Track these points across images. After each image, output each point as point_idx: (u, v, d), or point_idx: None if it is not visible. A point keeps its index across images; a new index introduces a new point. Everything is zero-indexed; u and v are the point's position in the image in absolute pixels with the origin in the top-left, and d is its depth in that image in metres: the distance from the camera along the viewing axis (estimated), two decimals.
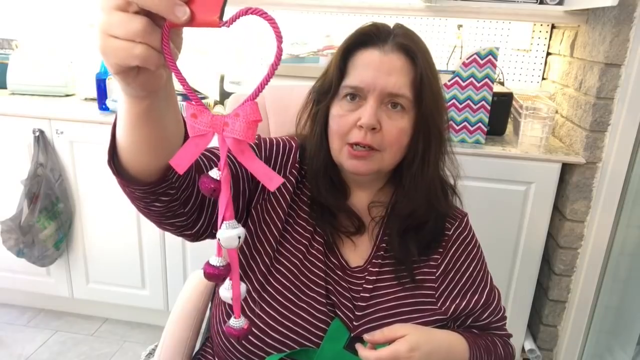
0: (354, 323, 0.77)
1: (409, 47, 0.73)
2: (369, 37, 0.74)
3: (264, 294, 0.77)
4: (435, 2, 1.71)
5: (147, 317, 1.99)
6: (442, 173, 0.83)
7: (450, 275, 0.83)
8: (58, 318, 2.02)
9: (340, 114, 0.75)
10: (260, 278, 0.78)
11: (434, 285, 0.81)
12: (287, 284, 0.77)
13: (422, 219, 0.80)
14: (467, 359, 0.75)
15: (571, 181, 1.57)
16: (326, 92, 0.77)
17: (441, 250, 0.83)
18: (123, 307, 1.98)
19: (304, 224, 0.81)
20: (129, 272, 1.88)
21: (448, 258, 0.83)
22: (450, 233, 0.84)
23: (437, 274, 0.82)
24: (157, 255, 1.85)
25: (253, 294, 0.77)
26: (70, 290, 1.95)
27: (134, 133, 0.54)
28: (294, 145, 0.83)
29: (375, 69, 0.72)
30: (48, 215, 1.77)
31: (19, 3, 2.26)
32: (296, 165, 0.82)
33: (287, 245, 0.80)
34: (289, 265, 0.78)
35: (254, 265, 0.79)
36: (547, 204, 1.58)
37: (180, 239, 1.80)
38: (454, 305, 0.81)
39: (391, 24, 0.79)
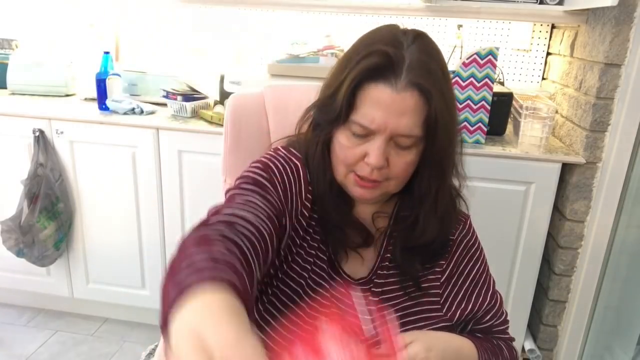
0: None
1: (423, 85, 0.66)
2: (380, 70, 0.67)
3: (267, 316, 0.75)
4: (435, 2, 1.71)
5: (147, 317, 1.99)
6: (453, 188, 0.81)
7: (454, 279, 0.82)
8: (58, 318, 2.02)
9: (347, 145, 0.71)
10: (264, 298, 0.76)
11: (439, 291, 0.80)
12: (291, 305, 0.75)
13: (431, 240, 0.79)
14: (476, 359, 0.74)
15: (571, 181, 1.57)
16: (332, 120, 0.71)
17: (446, 255, 0.82)
18: (123, 307, 1.98)
19: (310, 240, 0.79)
20: (129, 272, 1.88)
21: (453, 262, 0.82)
22: (455, 237, 0.83)
23: (442, 280, 0.81)
24: (157, 255, 1.85)
25: (260, 320, 0.76)
26: (70, 290, 1.95)
27: None
28: (300, 166, 0.77)
29: (386, 109, 0.66)
30: (48, 215, 1.77)
31: (19, 3, 2.26)
32: (309, 188, 0.77)
33: (294, 265, 0.77)
34: (294, 286, 0.76)
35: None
36: (547, 204, 1.58)
37: (180, 238, 1.80)
38: (459, 311, 0.81)
39: (405, 36, 0.70)
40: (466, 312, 0.81)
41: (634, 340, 1.55)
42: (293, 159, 0.78)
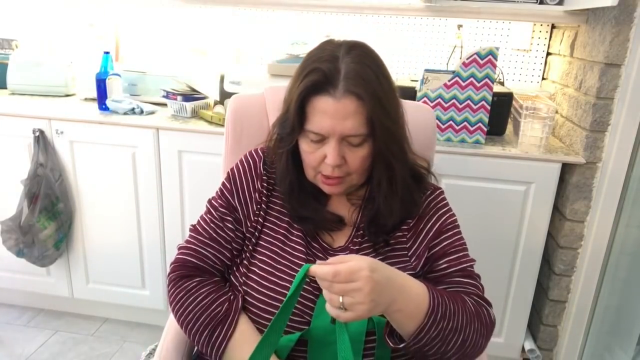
0: None
1: (357, 92, 0.76)
2: (320, 85, 0.77)
3: (249, 282, 0.86)
4: (435, 2, 1.71)
5: (147, 317, 1.99)
6: (412, 163, 0.91)
7: (422, 234, 0.88)
8: (58, 318, 2.02)
9: (309, 151, 0.83)
10: (243, 269, 0.88)
11: (405, 246, 0.88)
12: (268, 272, 0.85)
13: (397, 220, 0.88)
14: (426, 301, 0.73)
15: (571, 181, 1.57)
16: (290, 133, 0.83)
17: (414, 214, 0.89)
18: (123, 307, 1.98)
19: (278, 215, 0.90)
20: (129, 272, 1.88)
21: (419, 219, 0.89)
22: (422, 201, 0.90)
23: (408, 236, 0.88)
24: (157, 255, 1.85)
25: (241, 287, 0.87)
26: (70, 290, 1.95)
27: None
28: (257, 159, 0.93)
29: (331, 116, 0.77)
30: (48, 215, 1.77)
31: (19, 3, 2.26)
32: (263, 177, 0.91)
33: (266, 237, 0.89)
34: (269, 253, 0.87)
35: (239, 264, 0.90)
36: (547, 204, 1.58)
37: (180, 238, 1.80)
38: (422, 259, 0.87)
39: (340, 49, 0.79)
40: (425, 256, 0.87)
41: (634, 340, 1.55)
42: (254, 156, 0.94)
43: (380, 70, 0.80)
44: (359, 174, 0.84)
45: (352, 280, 0.65)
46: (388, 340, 0.76)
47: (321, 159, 0.82)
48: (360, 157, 0.81)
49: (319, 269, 0.67)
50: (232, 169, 0.95)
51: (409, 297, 0.72)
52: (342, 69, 0.77)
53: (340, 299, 0.65)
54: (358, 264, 0.66)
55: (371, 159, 0.83)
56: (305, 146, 0.83)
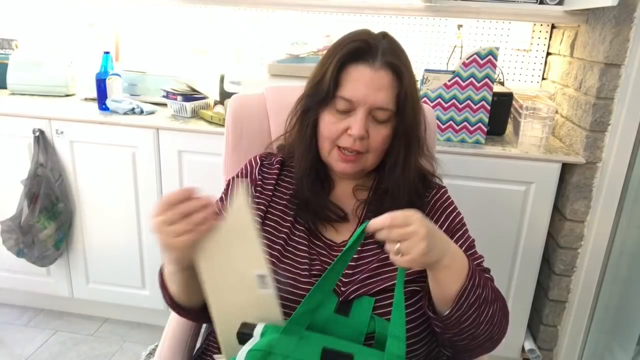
0: (342, 288, 0.82)
1: (397, 66, 0.82)
2: (361, 53, 0.82)
3: None
4: (435, 2, 1.71)
5: (147, 317, 1.99)
6: (420, 163, 0.92)
7: None
8: (58, 318, 2.02)
9: (332, 122, 0.84)
10: None
11: None
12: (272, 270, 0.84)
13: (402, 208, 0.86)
14: (466, 261, 0.74)
15: (571, 181, 1.57)
16: (320, 100, 0.84)
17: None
18: (123, 307, 1.98)
19: (281, 215, 0.90)
20: (129, 272, 1.88)
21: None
22: (428, 199, 0.91)
23: None
24: (157, 255, 1.85)
25: None
26: (70, 290, 1.95)
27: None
28: (253, 165, 0.95)
29: (366, 85, 0.81)
30: (48, 215, 1.77)
31: (19, 3, 2.26)
32: (258, 182, 0.92)
33: (269, 237, 0.88)
34: (271, 251, 0.85)
35: None
36: (547, 204, 1.58)
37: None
38: None
39: (376, 30, 0.86)
40: None
41: (634, 340, 1.54)
42: (252, 162, 0.96)
43: (408, 59, 0.86)
44: (375, 155, 0.86)
45: (408, 224, 0.67)
46: (429, 312, 0.77)
47: (342, 131, 0.84)
48: (382, 135, 0.84)
49: (375, 220, 0.68)
50: (231, 177, 0.97)
51: (455, 253, 0.73)
52: (380, 46, 0.83)
53: (397, 245, 0.67)
54: (410, 211, 0.69)
55: (390, 142, 0.85)
56: (329, 117, 0.85)
